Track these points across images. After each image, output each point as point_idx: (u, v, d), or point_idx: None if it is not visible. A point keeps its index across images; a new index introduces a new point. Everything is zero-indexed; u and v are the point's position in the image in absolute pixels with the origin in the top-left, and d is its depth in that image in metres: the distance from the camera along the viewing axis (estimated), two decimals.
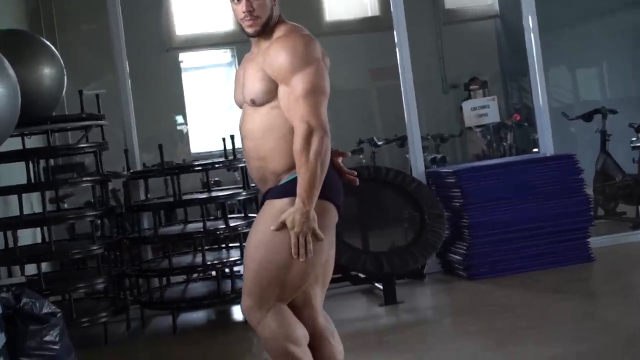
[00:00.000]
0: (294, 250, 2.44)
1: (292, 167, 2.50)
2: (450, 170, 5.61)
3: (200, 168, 5.13)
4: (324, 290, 2.71)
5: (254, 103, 2.55)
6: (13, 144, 4.69)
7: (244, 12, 2.55)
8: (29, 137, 4.95)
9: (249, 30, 2.57)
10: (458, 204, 5.49)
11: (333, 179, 2.56)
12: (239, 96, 2.64)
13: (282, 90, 2.49)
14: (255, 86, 2.54)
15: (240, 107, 2.66)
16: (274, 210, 2.51)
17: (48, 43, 4.98)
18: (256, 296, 2.53)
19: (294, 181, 2.47)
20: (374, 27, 9.14)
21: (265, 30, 2.56)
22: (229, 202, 5.29)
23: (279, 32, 2.55)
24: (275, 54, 2.49)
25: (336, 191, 2.56)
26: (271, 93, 2.51)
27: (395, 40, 5.81)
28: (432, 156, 7.22)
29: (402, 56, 5.78)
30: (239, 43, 8.92)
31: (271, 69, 2.50)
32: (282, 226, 2.46)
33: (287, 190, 2.50)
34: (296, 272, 2.49)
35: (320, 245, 2.50)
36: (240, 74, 2.65)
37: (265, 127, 2.53)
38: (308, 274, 2.52)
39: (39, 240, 5.33)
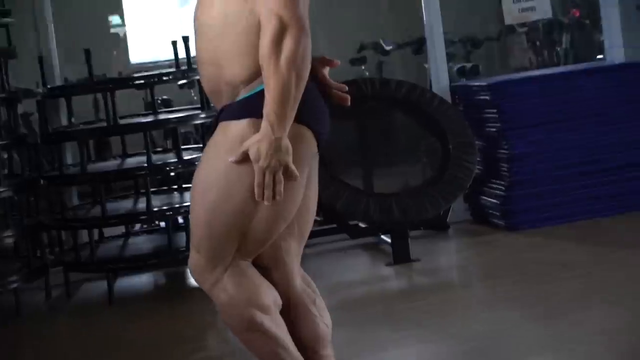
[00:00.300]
0: (257, 192, 2.42)
1: (254, 76, 2.46)
2: (485, 84, 5.62)
3: (142, 82, 5.11)
4: (302, 244, 2.71)
5: None
6: None
7: None
8: None
9: None
10: (494, 130, 5.49)
11: (312, 95, 2.52)
12: None
13: None
14: None
15: None
16: (229, 135, 2.49)
17: None
18: (208, 252, 2.53)
19: (256, 97, 2.44)
20: None
21: None
22: (182, 131, 5.27)
23: None
24: None
25: (316, 112, 2.53)
26: None
27: None
28: (460, 65, 7.17)
29: None
30: None
31: None
32: (243, 158, 2.44)
33: (247, 107, 2.47)
34: (261, 221, 2.49)
35: (293, 186, 2.49)
36: None
37: (223, 18, 2.48)
38: (277, 222, 2.52)
39: None
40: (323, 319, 2.71)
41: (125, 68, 8.58)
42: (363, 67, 8.20)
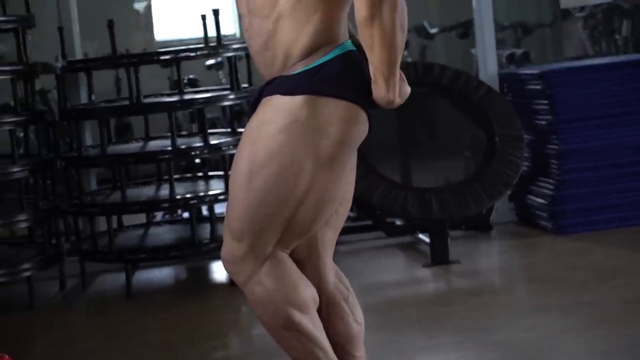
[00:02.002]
0: None
1: (317, 47, 2.48)
2: (536, 72, 5.60)
3: (169, 57, 5.12)
4: (336, 235, 2.75)
5: None
6: None
7: None
8: None
9: None
10: (545, 122, 5.49)
11: (365, 73, 2.54)
12: None
13: None
14: None
15: None
16: (281, 113, 2.47)
17: None
18: (250, 239, 2.54)
19: (313, 71, 2.47)
20: None
21: None
22: (209, 116, 5.29)
23: None
24: None
25: (369, 93, 2.55)
26: None
27: None
28: (510, 52, 7.19)
29: None
30: None
31: None
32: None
33: (303, 82, 2.48)
34: (310, 206, 2.52)
35: (344, 167, 2.54)
36: None
37: None
38: (325, 208, 2.55)
39: None
40: (355, 317, 2.75)
41: (150, 46, 8.62)
42: (405, 52, 8.23)
